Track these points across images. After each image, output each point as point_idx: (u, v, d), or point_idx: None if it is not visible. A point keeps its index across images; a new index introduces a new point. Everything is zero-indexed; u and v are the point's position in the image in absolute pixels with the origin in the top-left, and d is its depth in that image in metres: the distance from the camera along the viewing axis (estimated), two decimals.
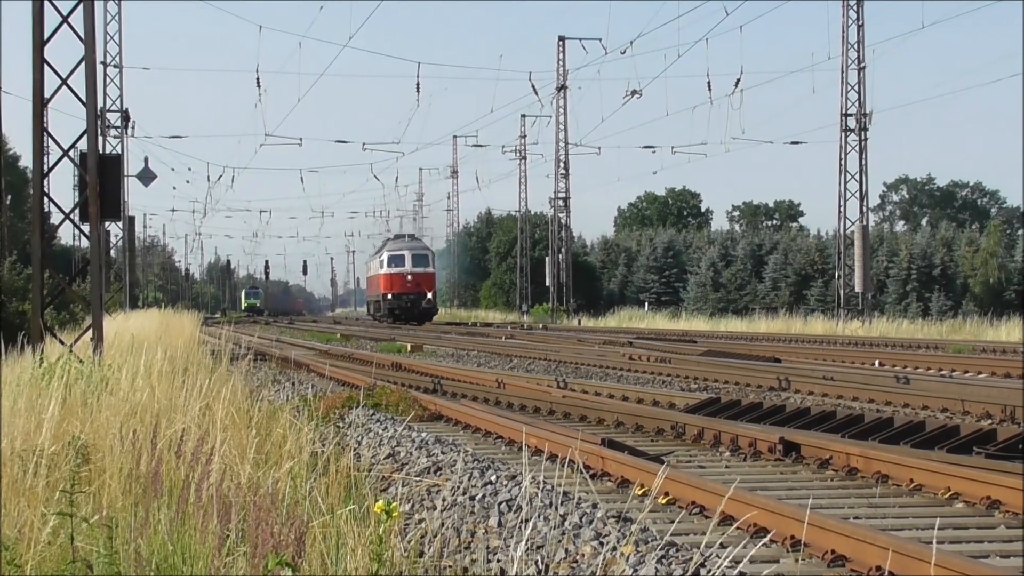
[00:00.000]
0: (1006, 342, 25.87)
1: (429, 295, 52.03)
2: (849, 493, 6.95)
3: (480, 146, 63.00)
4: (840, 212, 38.35)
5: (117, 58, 41.75)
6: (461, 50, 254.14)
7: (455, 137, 73.36)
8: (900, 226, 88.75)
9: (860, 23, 37.46)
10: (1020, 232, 64.83)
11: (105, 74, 39.94)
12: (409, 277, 51.63)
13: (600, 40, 45.92)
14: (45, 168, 14.50)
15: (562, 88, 53.45)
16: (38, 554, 4.37)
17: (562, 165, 54.42)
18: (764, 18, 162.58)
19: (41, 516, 4.54)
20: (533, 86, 49.55)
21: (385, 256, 53.72)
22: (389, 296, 52.00)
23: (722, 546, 4.44)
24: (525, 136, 61.01)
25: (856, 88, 37.67)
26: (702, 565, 4.64)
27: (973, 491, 6.43)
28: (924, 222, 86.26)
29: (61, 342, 13.17)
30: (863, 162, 38.03)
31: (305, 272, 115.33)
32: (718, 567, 4.10)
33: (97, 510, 4.62)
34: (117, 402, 5.84)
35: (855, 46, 37.55)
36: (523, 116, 59.37)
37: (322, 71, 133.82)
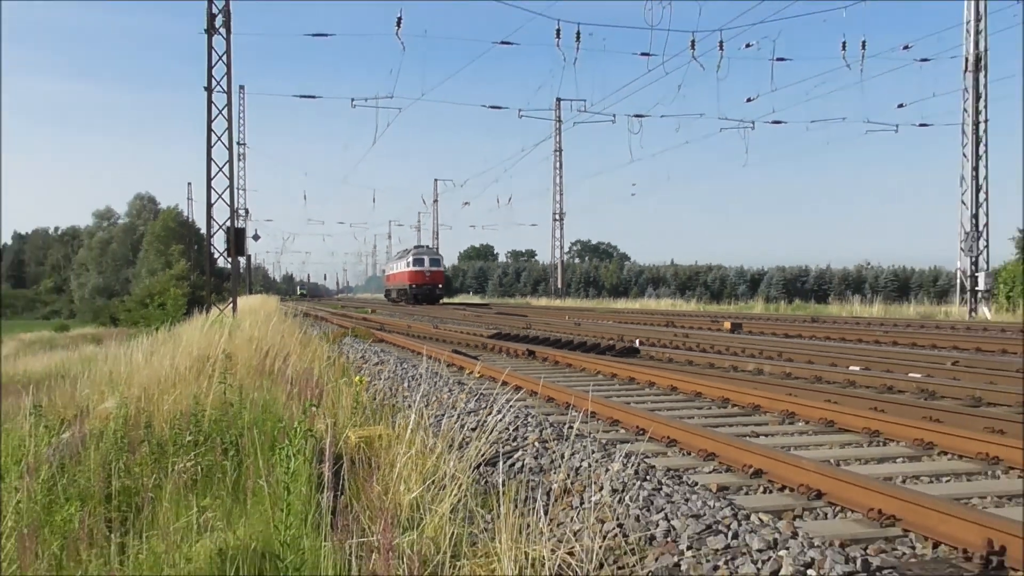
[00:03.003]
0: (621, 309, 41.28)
1: (440, 285, 70.32)
2: (554, 371, 13.76)
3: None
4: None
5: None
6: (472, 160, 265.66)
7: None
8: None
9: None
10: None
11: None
12: (428, 274, 69.07)
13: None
14: (212, 231, 28.42)
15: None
16: (210, 405, 9.79)
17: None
18: None
19: (213, 385, 9.96)
20: None
21: (411, 259, 70.65)
22: (413, 286, 68.57)
23: (501, 394, 9.99)
24: None
25: None
26: (493, 402, 10.04)
27: (605, 369, 13.46)
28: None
29: (219, 309, 26.33)
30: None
31: (324, 278, 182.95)
32: (501, 402, 10.21)
33: (235, 381, 10.09)
34: (243, 333, 11.11)
35: None
36: None
37: (352, 169, 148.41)
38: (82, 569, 4.51)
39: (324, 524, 4.64)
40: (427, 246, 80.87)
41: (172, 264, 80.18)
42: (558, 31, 33.96)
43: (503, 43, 39.81)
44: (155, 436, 7.24)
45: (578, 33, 34.03)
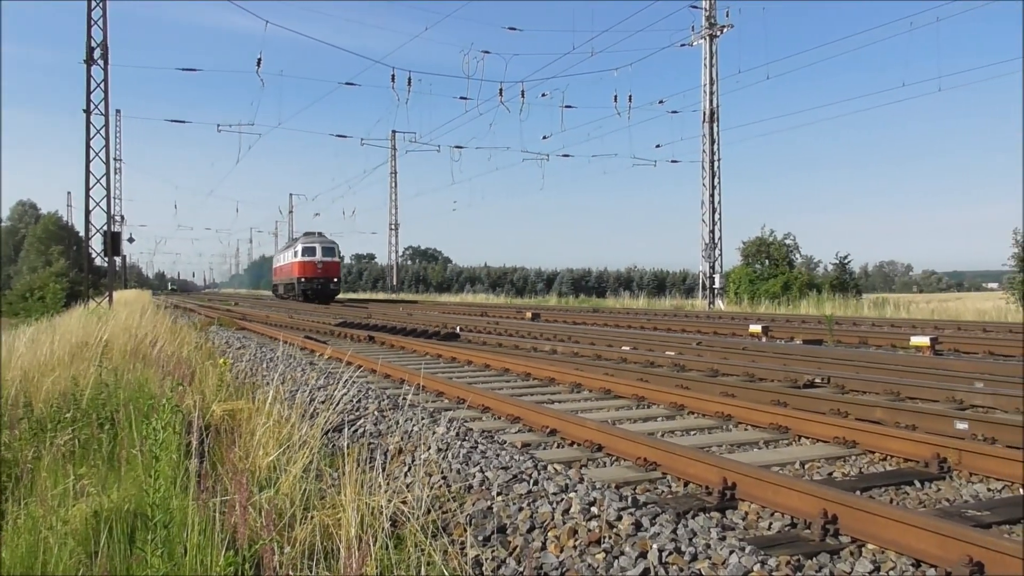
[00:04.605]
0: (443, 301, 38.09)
1: (335, 280, 49.90)
2: (390, 353, 13.47)
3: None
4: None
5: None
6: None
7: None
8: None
9: None
10: None
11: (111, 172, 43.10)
12: (320, 265, 49.14)
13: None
14: (90, 235, 26.14)
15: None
16: (88, 387, 9.10)
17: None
18: None
19: (90, 368, 9.20)
20: None
21: (299, 248, 50.56)
22: (302, 279, 48.98)
23: (346, 372, 10.40)
24: None
25: None
26: (340, 379, 10.52)
27: (432, 351, 13.27)
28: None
29: (96, 302, 23.58)
30: None
31: (193, 276, 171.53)
32: (346, 378, 10.01)
33: (111, 364, 9.36)
34: (118, 323, 10.24)
35: None
36: None
37: (218, 183, 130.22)
38: None
39: (191, 486, 4.36)
40: (319, 233, 53.54)
41: (52, 263, 73.71)
42: (393, 76, 33.67)
43: (348, 83, 40.03)
44: (35, 414, 6.61)
45: (409, 79, 33.93)
